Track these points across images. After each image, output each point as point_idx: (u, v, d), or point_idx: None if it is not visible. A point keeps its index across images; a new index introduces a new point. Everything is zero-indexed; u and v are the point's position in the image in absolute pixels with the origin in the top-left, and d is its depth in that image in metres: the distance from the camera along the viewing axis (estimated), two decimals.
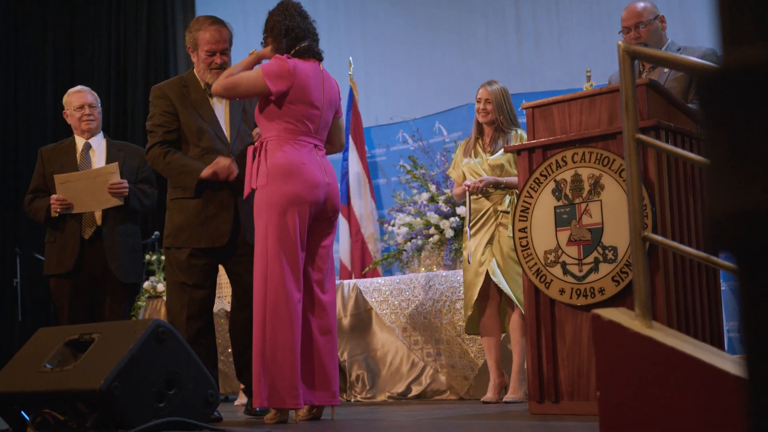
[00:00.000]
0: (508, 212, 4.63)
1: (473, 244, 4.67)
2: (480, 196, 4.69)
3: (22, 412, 3.08)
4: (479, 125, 4.81)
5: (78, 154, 4.86)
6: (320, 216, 3.82)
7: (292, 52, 3.85)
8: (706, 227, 0.68)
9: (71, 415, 2.91)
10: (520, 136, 4.66)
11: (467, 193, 4.68)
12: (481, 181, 4.63)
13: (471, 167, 4.75)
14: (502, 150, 4.66)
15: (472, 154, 4.79)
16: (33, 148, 9.07)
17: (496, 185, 4.66)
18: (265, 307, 3.64)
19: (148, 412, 2.88)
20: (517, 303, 4.54)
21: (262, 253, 3.69)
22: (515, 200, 4.61)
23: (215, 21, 4.30)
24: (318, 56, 3.97)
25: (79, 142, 4.91)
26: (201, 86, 4.28)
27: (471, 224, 4.71)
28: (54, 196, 4.68)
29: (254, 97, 3.89)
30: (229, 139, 4.24)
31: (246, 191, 3.86)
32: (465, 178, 4.76)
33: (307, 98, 3.81)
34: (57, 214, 4.71)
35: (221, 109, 4.30)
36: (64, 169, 4.79)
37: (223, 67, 4.14)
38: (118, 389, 2.81)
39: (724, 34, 0.71)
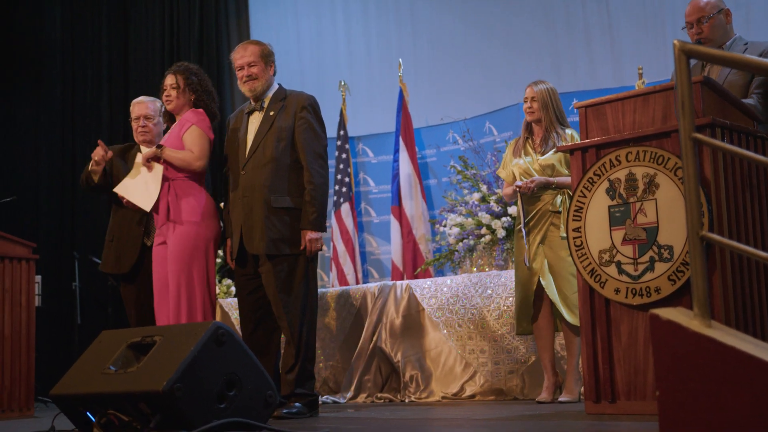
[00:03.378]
0: (559, 212, 4.62)
1: (524, 244, 4.67)
2: (531, 196, 4.68)
3: (88, 413, 3.16)
4: (528, 125, 4.81)
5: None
6: None
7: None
8: None
9: (135, 416, 2.98)
10: (571, 136, 4.65)
11: (518, 194, 4.68)
12: (532, 182, 4.62)
13: (521, 167, 4.74)
14: (554, 150, 4.65)
15: (522, 154, 4.78)
16: (89, 151, 9.23)
17: (547, 185, 4.65)
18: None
19: (210, 413, 2.94)
20: (563, 310, 4.53)
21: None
22: (567, 200, 4.60)
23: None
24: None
25: (143, 150, 5.01)
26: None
27: (524, 225, 4.70)
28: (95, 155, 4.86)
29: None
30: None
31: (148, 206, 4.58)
32: (515, 177, 4.76)
33: None
34: (96, 171, 4.86)
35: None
36: (123, 176, 4.90)
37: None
38: (181, 391, 2.87)
39: None
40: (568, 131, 4.70)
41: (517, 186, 4.66)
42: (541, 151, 4.73)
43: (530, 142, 4.81)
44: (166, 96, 4.71)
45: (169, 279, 4.48)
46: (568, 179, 4.59)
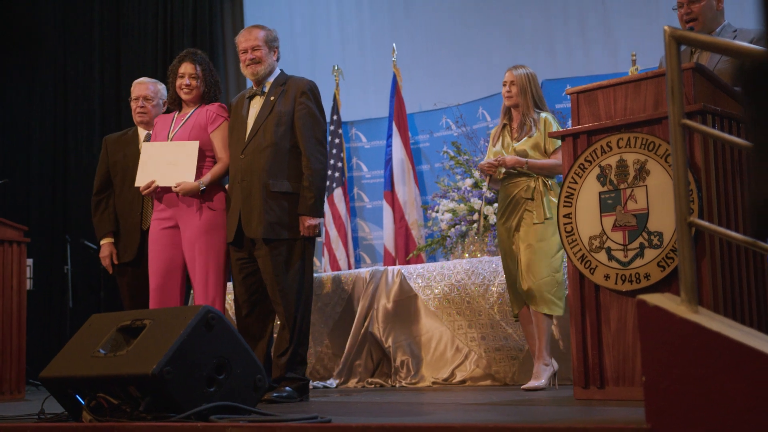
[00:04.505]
0: (532, 199, 4.58)
1: (505, 231, 4.64)
2: (508, 182, 4.64)
3: (77, 396, 3.16)
4: (508, 111, 4.77)
5: (140, 145, 4.97)
6: None
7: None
8: (749, 212, 0.69)
9: (124, 399, 2.98)
10: (545, 119, 4.62)
11: (490, 179, 4.69)
12: (497, 161, 4.58)
13: (496, 154, 4.71)
14: (527, 136, 4.62)
15: (500, 141, 4.75)
16: (81, 135, 9.27)
17: (518, 165, 4.57)
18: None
19: (199, 396, 2.94)
20: (527, 299, 4.51)
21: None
22: (541, 185, 4.56)
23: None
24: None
25: (141, 132, 5.04)
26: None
27: (500, 212, 4.70)
28: (103, 256, 4.96)
29: None
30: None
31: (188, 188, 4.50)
32: None
33: None
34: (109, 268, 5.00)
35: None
36: (126, 159, 4.94)
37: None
38: (170, 374, 2.87)
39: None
40: (543, 114, 4.65)
41: (481, 166, 4.65)
42: (517, 137, 4.70)
43: (508, 128, 4.77)
44: (186, 85, 4.67)
45: (196, 260, 4.52)
46: (541, 161, 4.57)
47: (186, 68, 4.68)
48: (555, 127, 4.59)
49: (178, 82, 4.68)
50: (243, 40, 4.60)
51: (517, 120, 4.72)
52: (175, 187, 4.51)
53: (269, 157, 4.44)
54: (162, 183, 4.56)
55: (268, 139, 4.46)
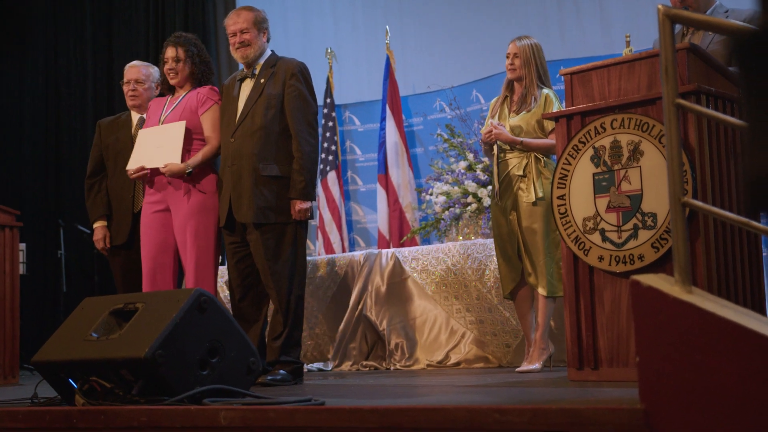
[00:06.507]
0: (524, 176, 4.53)
1: (499, 211, 4.59)
2: (501, 159, 4.58)
3: (70, 380, 3.15)
4: (510, 83, 4.67)
5: (133, 128, 4.98)
6: None
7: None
8: (744, 189, 0.68)
9: (117, 383, 2.97)
10: (546, 96, 4.54)
11: (491, 153, 4.61)
12: (496, 129, 4.51)
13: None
14: (525, 111, 4.55)
15: (498, 115, 4.68)
16: (74, 119, 9.22)
17: (513, 143, 4.52)
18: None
19: (192, 379, 2.93)
20: (530, 280, 4.48)
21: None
22: (533, 163, 4.51)
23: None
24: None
25: (134, 116, 5.04)
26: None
27: (494, 190, 4.63)
28: (97, 239, 4.95)
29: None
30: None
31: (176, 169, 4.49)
32: None
33: None
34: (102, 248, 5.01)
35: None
36: (119, 143, 4.96)
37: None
38: (163, 357, 2.86)
39: None
40: (544, 90, 4.56)
41: (484, 135, 4.58)
42: (516, 110, 4.61)
43: (508, 101, 4.68)
44: (169, 69, 4.67)
45: (187, 243, 4.51)
46: (537, 141, 4.51)
47: (169, 53, 4.68)
48: (556, 105, 4.49)
49: (165, 67, 4.68)
50: (231, 23, 4.56)
51: (518, 93, 4.63)
52: (162, 168, 4.49)
53: (259, 141, 4.42)
54: (149, 165, 4.55)
55: (257, 122, 4.43)
